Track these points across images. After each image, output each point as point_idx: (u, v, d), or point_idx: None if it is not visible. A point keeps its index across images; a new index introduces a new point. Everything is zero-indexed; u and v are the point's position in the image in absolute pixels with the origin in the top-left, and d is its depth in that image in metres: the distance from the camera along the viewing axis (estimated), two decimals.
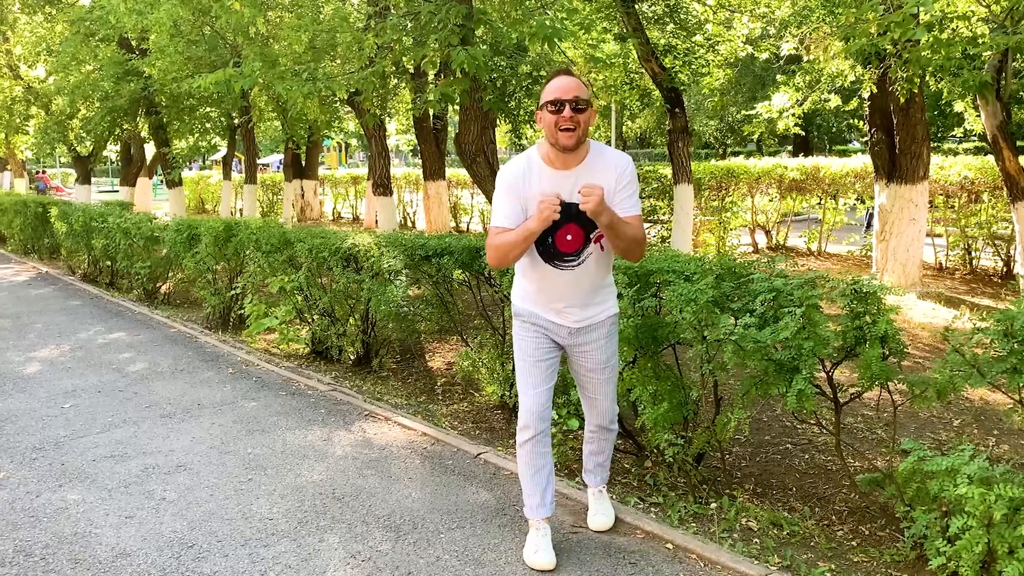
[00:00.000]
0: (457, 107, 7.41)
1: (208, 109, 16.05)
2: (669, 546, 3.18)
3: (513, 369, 4.71)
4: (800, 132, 12.10)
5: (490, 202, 8.15)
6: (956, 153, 14.52)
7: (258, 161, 18.81)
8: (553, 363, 3.09)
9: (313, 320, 6.31)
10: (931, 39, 5.31)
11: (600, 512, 3.36)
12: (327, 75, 7.51)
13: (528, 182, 2.86)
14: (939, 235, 10.47)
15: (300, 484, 3.83)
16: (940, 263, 10.31)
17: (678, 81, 10.01)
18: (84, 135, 17.05)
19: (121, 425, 4.72)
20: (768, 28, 10.78)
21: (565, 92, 2.77)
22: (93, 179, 21.29)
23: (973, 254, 10.02)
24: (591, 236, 2.89)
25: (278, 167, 36.58)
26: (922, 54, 5.59)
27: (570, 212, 2.82)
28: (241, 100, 13.96)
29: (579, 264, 2.91)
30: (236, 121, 16.07)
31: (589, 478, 3.43)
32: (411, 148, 43.36)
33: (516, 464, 3.98)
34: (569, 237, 2.87)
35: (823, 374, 3.26)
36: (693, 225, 10.60)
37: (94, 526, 3.41)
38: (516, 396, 4.72)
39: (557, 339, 3.07)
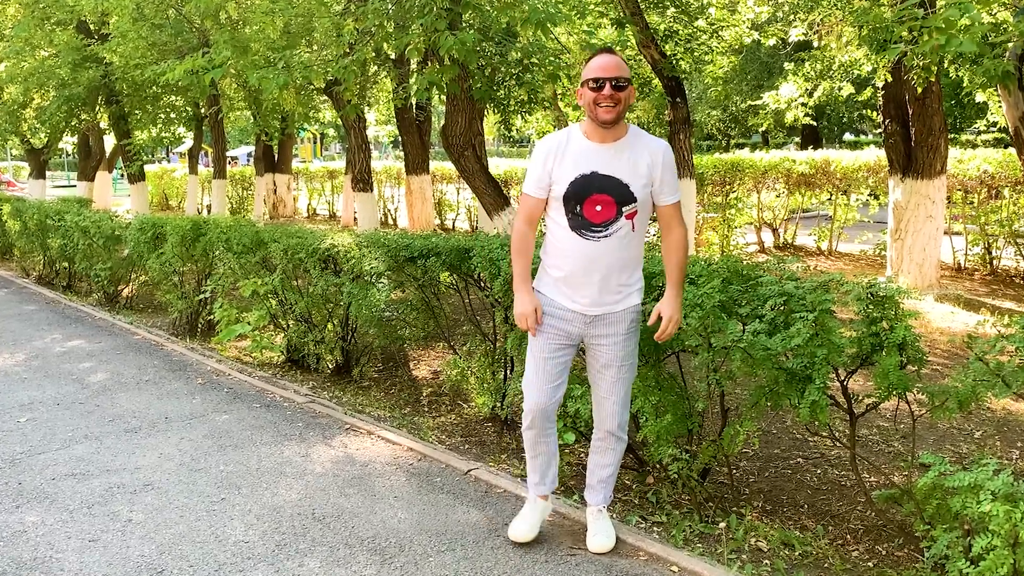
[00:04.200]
0: (443, 96, 7.43)
1: (173, 98, 15.99)
2: (674, 568, 3.20)
3: (505, 378, 4.76)
4: (811, 122, 12.19)
5: (478, 198, 8.18)
6: (975, 145, 14.63)
7: (227, 154, 18.74)
8: (564, 362, 3.25)
9: (288, 326, 6.30)
10: (953, 24, 5.31)
11: (600, 533, 3.37)
12: (303, 63, 7.51)
13: (565, 150, 3.10)
14: (957, 233, 10.55)
15: (277, 504, 3.83)
16: (958, 263, 10.39)
17: (679, 69, 10.07)
18: (38, 126, 16.94)
19: (82, 440, 4.70)
20: (776, 12, 10.84)
21: (606, 71, 3.01)
22: (48, 173, 21.14)
23: (994, 253, 10.10)
24: (623, 211, 3.06)
25: (247, 160, 36.45)
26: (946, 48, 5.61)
27: (603, 184, 3.05)
28: (209, 89, 13.93)
29: (606, 236, 3.07)
30: (203, 111, 16.02)
31: (591, 496, 3.46)
32: (392, 140, 43.31)
33: (508, 481, 4.02)
34: (599, 208, 3.05)
35: (837, 383, 3.28)
36: (695, 223, 10.65)
37: (55, 550, 3.40)
38: (508, 408, 4.75)
39: (572, 329, 3.19)
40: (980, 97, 10.37)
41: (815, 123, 23.39)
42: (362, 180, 12.06)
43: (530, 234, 3.23)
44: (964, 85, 9.64)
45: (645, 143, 3.11)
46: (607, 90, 2.98)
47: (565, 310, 3.18)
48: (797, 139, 30.18)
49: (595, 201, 3.04)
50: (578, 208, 3.06)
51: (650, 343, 3.69)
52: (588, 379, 3.39)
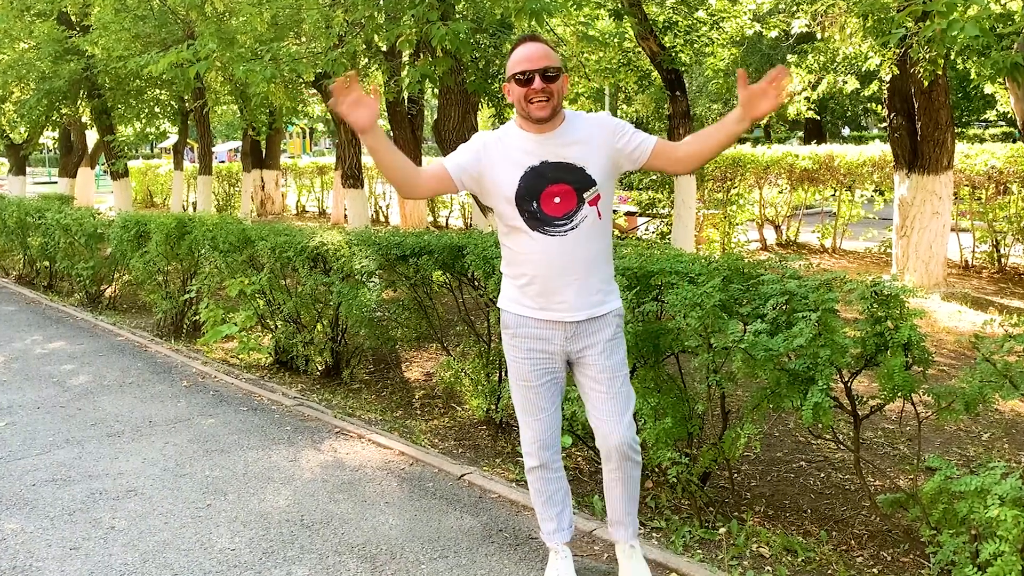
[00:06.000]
0: (436, 90, 7.42)
1: (157, 92, 15.95)
2: (674, 575, 3.20)
3: (500, 380, 4.76)
4: (814, 116, 12.19)
5: (472, 195, 8.18)
6: (983, 140, 14.66)
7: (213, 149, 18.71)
8: (554, 383, 2.98)
9: (276, 327, 6.29)
10: (955, 8, 5.30)
11: (635, 574, 3.08)
12: (291, 56, 7.49)
13: (501, 147, 2.87)
14: (964, 230, 10.57)
15: (264, 510, 3.82)
16: (966, 261, 10.41)
17: (679, 62, 10.07)
18: (18, 120, 16.89)
19: (64, 445, 4.69)
20: (778, 3, 10.84)
21: (533, 61, 2.75)
22: (28, 169, 21.11)
23: (1002, 251, 10.12)
24: (584, 197, 2.80)
25: (236, 156, 36.34)
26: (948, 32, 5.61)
27: (557, 173, 2.80)
28: (195, 82, 13.90)
29: (572, 229, 2.80)
30: (188, 105, 15.98)
31: (619, 532, 3.12)
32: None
33: (503, 485, 4.02)
34: (557, 199, 2.79)
35: (840, 385, 3.28)
36: (696, 220, 10.65)
37: (35, 559, 3.39)
38: (503, 411, 4.74)
39: (553, 347, 2.91)
40: (988, 89, 10.38)
41: (818, 117, 23.42)
42: (352, 176, 12.03)
43: (415, 172, 2.93)
44: (972, 77, 9.66)
45: (585, 121, 2.88)
46: (537, 83, 2.72)
47: (541, 323, 2.89)
48: (800, 133, 30.21)
49: (552, 193, 2.78)
50: (535, 205, 2.79)
51: (649, 344, 3.69)
52: (581, 398, 3.12)
